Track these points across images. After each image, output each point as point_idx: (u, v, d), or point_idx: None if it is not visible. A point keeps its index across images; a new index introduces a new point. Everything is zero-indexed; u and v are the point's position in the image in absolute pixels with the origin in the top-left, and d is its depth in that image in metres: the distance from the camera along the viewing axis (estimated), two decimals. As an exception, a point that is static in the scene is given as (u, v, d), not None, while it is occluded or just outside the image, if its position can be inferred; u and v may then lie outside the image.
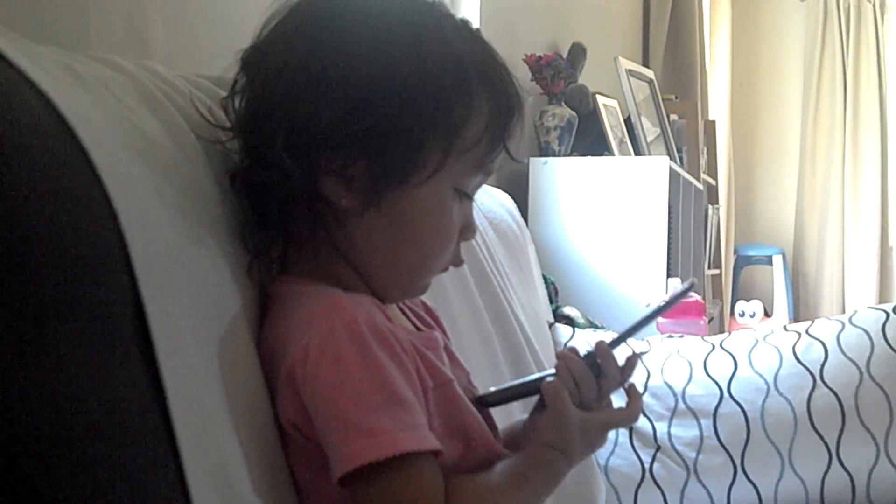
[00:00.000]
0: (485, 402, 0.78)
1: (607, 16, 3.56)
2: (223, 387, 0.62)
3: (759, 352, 1.39)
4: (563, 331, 1.64)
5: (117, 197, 0.55)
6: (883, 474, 1.28)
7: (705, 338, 1.52)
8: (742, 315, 4.72)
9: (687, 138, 3.25)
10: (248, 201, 0.72)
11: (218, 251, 0.67)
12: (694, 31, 4.21)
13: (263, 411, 0.66)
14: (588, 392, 0.75)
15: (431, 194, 0.70)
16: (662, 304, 0.82)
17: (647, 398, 1.39)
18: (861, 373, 1.32)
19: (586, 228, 2.22)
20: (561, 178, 2.25)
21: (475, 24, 2.16)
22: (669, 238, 2.27)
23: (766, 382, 1.35)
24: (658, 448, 1.36)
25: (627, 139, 2.61)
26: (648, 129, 2.76)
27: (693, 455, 1.34)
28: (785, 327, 1.46)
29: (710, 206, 3.64)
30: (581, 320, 1.83)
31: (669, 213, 2.25)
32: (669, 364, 1.43)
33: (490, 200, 1.64)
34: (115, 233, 0.55)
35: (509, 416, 0.87)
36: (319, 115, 0.66)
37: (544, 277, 1.85)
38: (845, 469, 1.29)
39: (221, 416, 0.60)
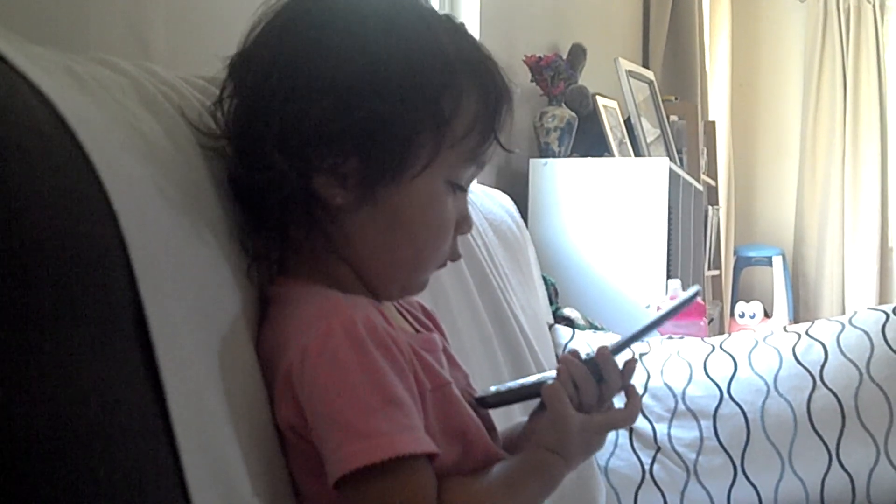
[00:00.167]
0: (485, 404, 0.78)
1: (607, 17, 3.56)
2: (223, 387, 0.62)
3: (759, 353, 1.39)
4: (563, 332, 1.63)
5: (117, 198, 0.55)
6: (883, 475, 1.28)
7: (705, 339, 1.52)
8: (742, 316, 4.72)
9: (687, 139, 3.25)
10: (243, 205, 0.72)
11: (217, 252, 0.67)
12: (694, 32, 4.21)
13: (263, 412, 0.66)
14: (589, 396, 0.75)
15: (425, 188, 0.70)
16: (665, 312, 0.81)
17: (647, 399, 1.39)
18: (861, 374, 1.32)
19: (586, 229, 2.22)
20: (561, 179, 2.25)
21: (475, 25, 2.17)
22: (669, 239, 2.27)
23: (766, 383, 1.35)
24: (658, 449, 1.36)
25: (627, 140, 2.61)
26: (648, 130, 2.76)
27: (693, 456, 1.34)
28: (785, 328, 1.46)
29: (709, 207, 3.64)
30: (581, 321, 1.83)
31: (669, 214, 2.25)
32: (669, 365, 1.43)
33: (490, 201, 1.64)
34: (115, 234, 0.55)
35: (509, 418, 0.87)
36: (308, 113, 0.66)
37: (544, 278, 1.85)
38: (845, 470, 1.29)
39: (221, 417, 0.60)
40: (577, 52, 2.47)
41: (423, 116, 0.68)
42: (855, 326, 1.38)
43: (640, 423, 1.38)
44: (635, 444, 1.38)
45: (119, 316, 0.54)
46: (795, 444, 1.30)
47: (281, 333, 0.67)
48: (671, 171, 2.26)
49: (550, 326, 1.65)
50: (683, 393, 1.38)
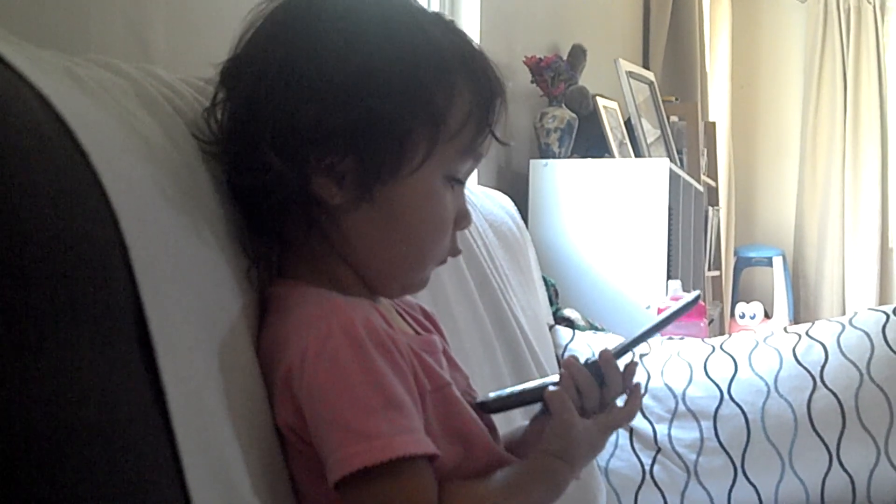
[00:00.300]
0: (486, 408, 0.77)
1: (607, 17, 3.56)
2: (223, 388, 0.62)
3: (759, 353, 1.39)
4: (564, 333, 1.63)
5: (117, 199, 0.55)
6: (883, 476, 1.28)
7: (705, 339, 1.52)
8: (742, 317, 4.72)
9: (687, 140, 3.25)
10: (242, 208, 0.72)
11: (218, 253, 0.67)
12: (694, 33, 4.22)
13: (263, 413, 0.66)
14: (591, 401, 0.75)
15: (422, 184, 0.70)
16: (666, 316, 0.81)
17: (647, 400, 1.39)
18: (861, 374, 1.32)
19: (586, 230, 2.22)
20: (561, 179, 2.25)
21: (475, 25, 2.17)
22: (669, 240, 2.27)
23: (767, 384, 1.35)
24: (658, 450, 1.37)
25: (627, 141, 2.61)
26: (648, 131, 2.76)
27: (693, 457, 1.34)
28: (785, 329, 1.46)
29: (710, 208, 3.64)
30: (581, 322, 1.83)
31: (669, 214, 2.25)
32: (670, 366, 1.43)
33: (490, 202, 1.64)
34: (115, 234, 0.55)
35: (510, 422, 0.87)
36: (302, 113, 0.66)
37: (544, 279, 1.85)
38: (845, 470, 1.29)
39: (221, 417, 0.60)
40: (578, 53, 2.47)
41: (417, 112, 0.68)
42: (855, 327, 1.38)
43: (641, 423, 1.38)
44: (635, 445, 1.38)
45: (119, 316, 0.54)
46: (796, 444, 1.30)
47: (280, 334, 0.67)
48: (671, 171, 2.26)
49: (551, 327, 1.65)
50: (684, 394, 1.38)
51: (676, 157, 3.03)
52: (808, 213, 5.20)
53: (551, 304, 1.85)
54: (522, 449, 0.78)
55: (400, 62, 0.68)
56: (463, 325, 1.19)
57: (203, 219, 0.67)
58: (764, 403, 1.33)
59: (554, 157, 2.32)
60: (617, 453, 1.38)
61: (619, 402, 0.78)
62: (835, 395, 1.31)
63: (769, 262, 5.02)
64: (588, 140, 2.43)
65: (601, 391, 0.75)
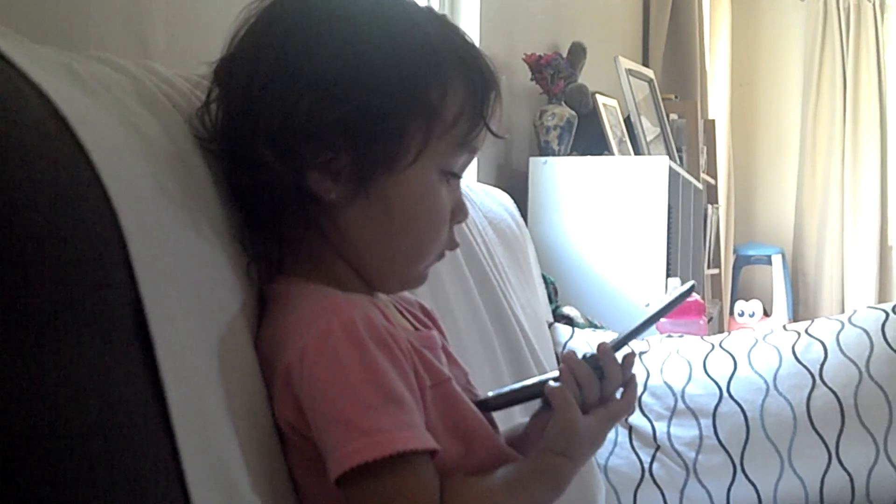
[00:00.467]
0: (486, 407, 0.77)
1: (607, 15, 3.56)
2: (223, 386, 0.62)
3: (758, 351, 1.40)
4: (563, 330, 1.64)
5: (117, 197, 0.55)
6: (882, 474, 1.28)
7: (705, 337, 1.52)
8: (741, 315, 4.72)
9: (686, 138, 3.25)
10: (239, 206, 0.72)
11: (218, 251, 0.67)
12: (694, 31, 4.21)
13: (263, 411, 0.66)
14: (591, 395, 0.75)
15: (418, 178, 0.70)
16: (662, 307, 0.81)
17: (646, 398, 1.40)
18: (860, 372, 1.32)
19: (586, 228, 2.22)
20: (560, 177, 2.25)
21: (475, 24, 2.16)
22: (669, 238, 2.27)
23: (766, 382, 1.35)
24: (657, 448, 1.37)
25: (627, 139, 2.61)
26: (648, 129, 2.76)
27: (692, 455, 1.34)
28: (784, 327, 1.46)
29: (709, 206, 3.64)
30: (580, 320, 1.83)
31: (669, 212, 2.25)
32: (669, 364, 1.43)
33: (489, 200, 1.63)
34: (115, 233, 0.55)
35: (510, 418, 0.87)
36: (297, 109, 0.66)
37: (544, 277, 1.85)
38: (845, 469, 1.29)
39: (221, 416, 0.60)
40: (577, 51, 2.47)
41: (411, 107, 0.68)
42: (854, 325, 1.38)
43: (640, 421, 1.39)
44: (635, 443, 1.38)
45: (119, 314, 0.54)
46: (795, 442, 1.30)
47: (280, 332, 0.67)
48: (671, 169, 2.26)
49: (550, 325, 1.65)
50: (683, 391, 1.38)
51: (676, 155, 3.03)
52: (807, 211, 5.20)
53: (550, 301, 1.85)
54: (523, 445, 0.78)
55: (393, 57, 0.68)
56: (462, 323, 1.19)
57: (203, 216, 0.67)
58: (763, 401, 1.33)
59: (553, 154, 2.32)
60: (616, 451, 1.38)
61: (617, 394, 0.78)
62: (834, 393, 1.31)
63: (768, 260, 5.02)
64: (588, 138, 2.43)
65: (601, 384, 0.75)
